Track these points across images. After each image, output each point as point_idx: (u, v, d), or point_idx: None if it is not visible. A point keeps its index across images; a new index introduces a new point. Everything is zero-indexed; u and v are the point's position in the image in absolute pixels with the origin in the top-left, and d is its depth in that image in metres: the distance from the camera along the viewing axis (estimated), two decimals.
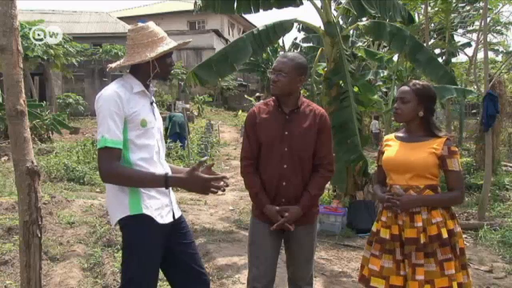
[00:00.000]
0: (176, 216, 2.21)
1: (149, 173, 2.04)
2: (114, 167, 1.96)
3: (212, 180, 2.00)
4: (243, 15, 7.11)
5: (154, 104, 2.23)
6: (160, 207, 2.09)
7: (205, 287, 2.26)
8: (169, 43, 2.12)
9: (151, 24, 2.15)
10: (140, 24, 2.15)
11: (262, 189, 2.47)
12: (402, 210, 2.31)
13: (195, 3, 5.86)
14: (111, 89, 2.03)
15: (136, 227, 2.04)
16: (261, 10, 5.71)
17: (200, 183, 1.99)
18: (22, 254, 2.27)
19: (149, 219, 2.03)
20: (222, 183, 2.03)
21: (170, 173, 2.09)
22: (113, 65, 2.18)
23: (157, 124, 2.18)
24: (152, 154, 2.10)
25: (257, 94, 18.11)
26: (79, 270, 3.86)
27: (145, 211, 2.03)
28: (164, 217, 2.10)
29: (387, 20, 5.89)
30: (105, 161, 1.96)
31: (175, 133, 11.19)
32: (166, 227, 2.11)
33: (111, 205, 2.11)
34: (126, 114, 2.01)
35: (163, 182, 2.01)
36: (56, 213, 5.60)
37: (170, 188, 2.21)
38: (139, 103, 2.08)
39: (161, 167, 2.15)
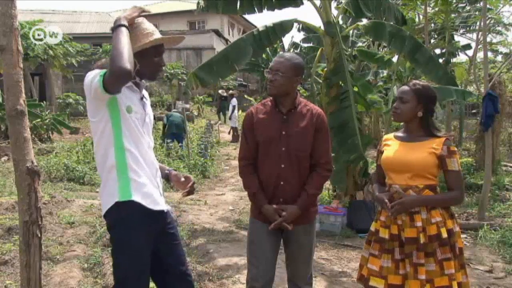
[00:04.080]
0: (165, 210, 2.17)
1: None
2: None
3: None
4: (243, 15, 7.12)
5: (145, 100, 2.18)
6: (150, 193, 2.06)
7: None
8: (150, 39, 2.04)
9: (142, 20, 2.09)
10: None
11: (260, 189, 2.48)
12: (399, 213, 2.31)
13: (198, 3, 5.86)
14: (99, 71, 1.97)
15: (125, 223, 2.00)
16: (264, 11, 5.72)
17: None
18: (22, 254, 2.27)
19: (138, 206, 2.00)
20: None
21: (148, 168, 2.11)
22: (103, 60, 2.17)
23: (147, 118, 2.15)
24: (142, 142, 2.07)
25: (231, 91, 18.74)
26: (79, 270, 3.86)
27: (134, 198, 2.00)
28: (155, 205, 2.06)
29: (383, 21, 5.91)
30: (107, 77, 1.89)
31: (172, 133, 11.20)
32: (157, 215, 2.08)
33: (103, 195, 2.08)
34: (117, 96, 1.97)
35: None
36: (56, 213, 5.60)
37: (160, 182, 2.19)
38: (126, 94, 2.04)
39: (152, 156, 2.14)
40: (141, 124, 2.10)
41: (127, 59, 1.83)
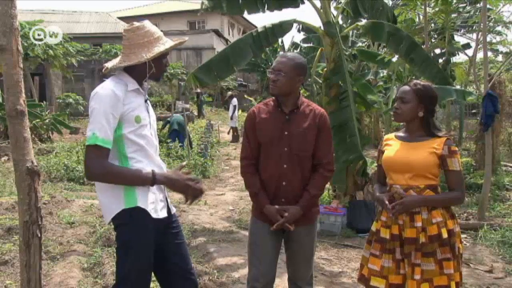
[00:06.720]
0: (172, 212, 2.23)
1: (136, 171, 2.05)
2: (102, 165, 1.97)
3: (191, 180, 2.12)
4: (243, 15, 7.11)
5: (149, 102, 2.25)
6: (155, 201, 2.11)
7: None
8: (165, 43, 2.13)
9: (147, 24, 2.15)
10: (136, 24, 2.14)
11: (261, 189, 2.47)
12: (400, 213, 2.32)
13: (202, 3, 5.87)
14: (108, 88, 2.03)
15: (131, 224, 2.04)
16: (266, 11, 5.73)
17: (183, 180, 2.10)
18: (22, 254, 2.27)
19: (143, 213, 2.04)
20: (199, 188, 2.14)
21: (157, 170, 2.11)
22: (108, 64, 2.18)
23: (150, 120, 2.20)
24: (146, 149, 2.11)
25: (229, 92, 19.00)
26: (79, 270, 3.86)
27: (140, 204, 2.04)
28: (158, 212, 2.11)
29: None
30: (94, 159, 1.97)
31: (174, 130, 11.33)
32: (160, 222, 2.12)
33: (105, 201, 2.10)
34: (122, 112, 2.02)
35: (150, 179, 2.04)
36: (56, 213, 5.60)
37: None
38: (134, 100, 2.09)
39: (157, 160, 2.17)
40: (147, 128, 2.14)
41: (103, 181, 2.04)
